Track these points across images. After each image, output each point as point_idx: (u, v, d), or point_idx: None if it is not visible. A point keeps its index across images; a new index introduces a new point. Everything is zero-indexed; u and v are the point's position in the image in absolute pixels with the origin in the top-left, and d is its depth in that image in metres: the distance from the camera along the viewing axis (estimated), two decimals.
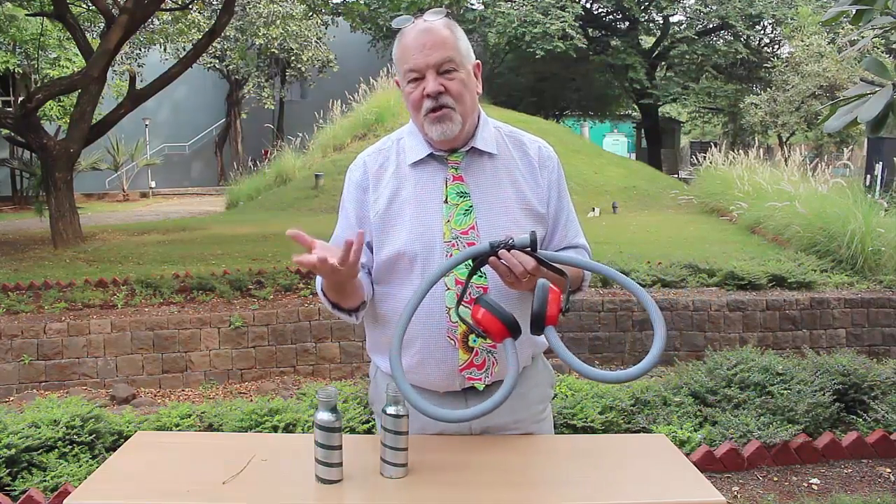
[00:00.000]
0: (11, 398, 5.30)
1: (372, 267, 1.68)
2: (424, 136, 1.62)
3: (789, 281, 6.59)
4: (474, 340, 1.58)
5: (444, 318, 1.58)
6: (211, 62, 22.00)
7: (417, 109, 1.57)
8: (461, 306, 1.54)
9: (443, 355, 1.59)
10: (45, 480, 3.05)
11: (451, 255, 1.57)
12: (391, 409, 1.40)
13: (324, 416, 1.38)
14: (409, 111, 1.62)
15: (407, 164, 1.64)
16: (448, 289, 1.57)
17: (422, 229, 1.59)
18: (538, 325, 1.35)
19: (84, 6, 12.22)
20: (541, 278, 1.41)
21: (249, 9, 19.89)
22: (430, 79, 1.54)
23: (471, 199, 1.61)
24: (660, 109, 26.98)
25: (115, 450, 2.00)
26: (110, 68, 10.76)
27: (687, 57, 23.74)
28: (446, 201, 1.60)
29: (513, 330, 1.36)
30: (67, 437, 3.30)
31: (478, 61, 1.64)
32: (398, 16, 1.60)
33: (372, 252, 1.67)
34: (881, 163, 10.83)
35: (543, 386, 1.74)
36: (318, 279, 1.62)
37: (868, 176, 10.79)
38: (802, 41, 18.43)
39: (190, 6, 12.05)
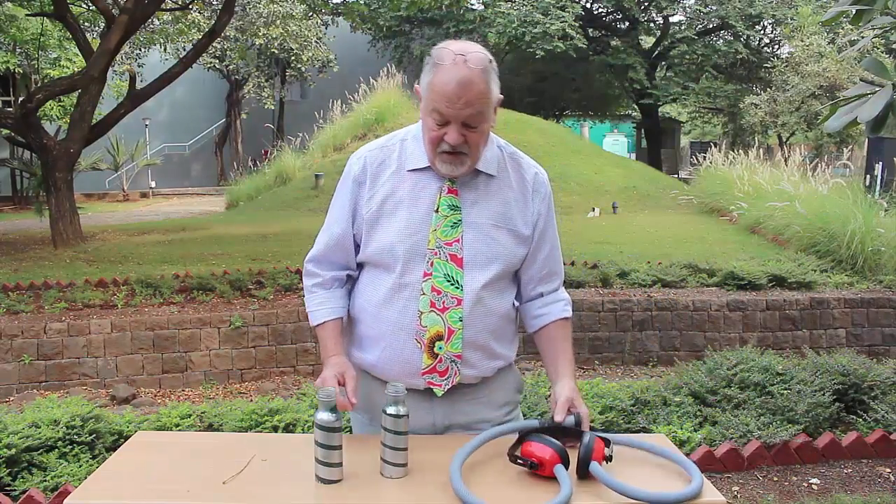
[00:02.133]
0: (11, 398, 5.30)
1: (353, 270, 1.74)
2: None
3: (789, 281, 6.59)
4: (440, 348, 1.61)
5: (415, 322, 1.61)
6: (211, 62, 22.00)
7: (433, 146, 1.58)
8: (432, 313, 1.60)
9: (408, 356, 1.62)
10: (45, 480, 3.05)
11: (432, 263, 1.61)
12: (391, 409, 1.40)
13: (324, 416, 1.38)
14: (423, 137, 1.62)
15: (406, 168, 1.66)
16: (423, 294, 1.60)
17: (409, 232, 1.62)
18: (584, 467, 1.40)
19: (84, 6, 12.22)
20: (589, 433, 1.44)
21: (249, 9, 19.88)
22: (453, 130, 1.54)
23: (460, 214, 1.63)
24: (660, 109, 26.98)
25: (115, 450, 2.00)
26: (110, 68, 10.76)
27: (687, 57, 23.74)
28: (437, 211, 1.62)
29: (563, 458, 1.40)
30: (67, 437, 3.29)
31: (500, 97, 1.60)
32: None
33: (358, 249, 1.71)
34: (881, 163, 10.82)
35: (509, 390, 1.77)
36: (312, 312, 1.73)
37: (868, 176, 10.79)
38: (802, 41, 18.42)
39: (190, 6, 12.05)
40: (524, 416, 1.97)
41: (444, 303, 1.60)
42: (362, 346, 1.71)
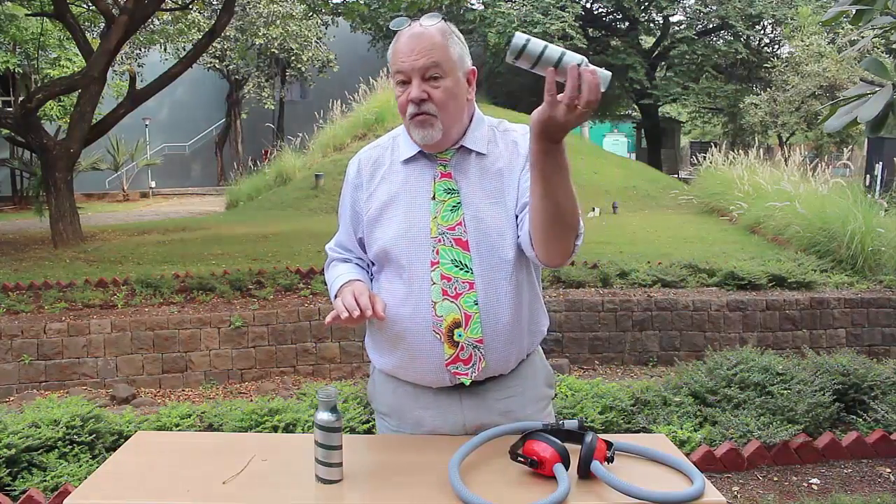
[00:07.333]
0: (11, 398, 5.31)
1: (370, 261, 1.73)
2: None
3: (789, 281, 6.59)
4: (459, 335, 1.58)
5: (430, 313, 1.59)
6: (211, 62, 22.00)
7: (403, 112, 1.60)
8: (446, 301, 1.57)
9: (430, 350, 1.60)
10: (45, 480, 3.05)
11: (437, 251, 1.58)
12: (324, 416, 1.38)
13: (324, 416, 1.38)
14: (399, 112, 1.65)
15: (399, 161, 1.67)
16: (434, 283, 1.58)
17: (409, 225, 1.61)
18: (585, 466, 1.40)
19: (84, 6, 12.23)
20: (590, 433, 1.43)
21: (249, 9, 19.90)
22: (415, 84, 1.55)
23: (458, 196, 1.62)
24: (660, 109, 26.98)
25: (115, 450, 2.00)
26: (110, 68, 10.76)
27: (687, 57, 23.73)
28: (434, 198, 1.62)
29: (564, 458, 1.40)
30: (67, 437, 3.30)
31: (473, 67, 1.63)
32: (398, 16, 1.61)
33: (365, 249, 1.71)
34: (881, 163, 10.83)
35: (541, 385, 1.74)
36: (332, 286, 1.68)
37: (868, 176, 10.80)
38: (802, 41, 18.43)
39: (190, 6, 12.05)
40: None
41: (455, 289, 1.57)
42: (382, 350, 1.69)
